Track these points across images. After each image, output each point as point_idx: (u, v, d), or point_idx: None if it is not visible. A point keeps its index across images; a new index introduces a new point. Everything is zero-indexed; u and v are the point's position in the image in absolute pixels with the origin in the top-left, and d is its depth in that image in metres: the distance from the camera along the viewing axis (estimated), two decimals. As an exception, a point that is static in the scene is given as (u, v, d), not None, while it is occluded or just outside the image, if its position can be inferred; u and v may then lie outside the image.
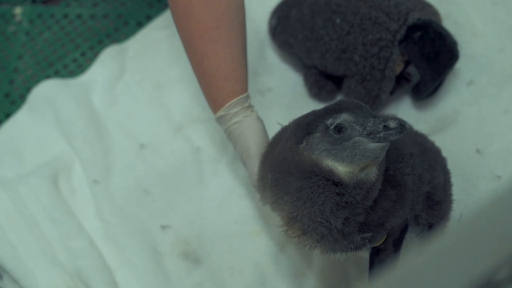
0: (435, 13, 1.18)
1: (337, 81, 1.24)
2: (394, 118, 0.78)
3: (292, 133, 0.85)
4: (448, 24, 1.24)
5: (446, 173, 0.98)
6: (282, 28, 1.25)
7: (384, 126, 0.77)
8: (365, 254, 0.90)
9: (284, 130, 0.94)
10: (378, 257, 0.89)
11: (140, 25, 1.43)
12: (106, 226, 1.19)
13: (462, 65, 1.22)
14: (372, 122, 0.78)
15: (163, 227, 1.19)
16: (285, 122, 1.24)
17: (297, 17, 1.22)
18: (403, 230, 0.92)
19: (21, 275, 1.13)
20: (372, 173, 0.81)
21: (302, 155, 0.81)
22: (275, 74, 1.30)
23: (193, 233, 1.18)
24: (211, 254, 1.16)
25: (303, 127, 0.83)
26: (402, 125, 0.76)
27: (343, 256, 0.87)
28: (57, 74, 1.41)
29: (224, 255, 1.15)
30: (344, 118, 0.80)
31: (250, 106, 1.03)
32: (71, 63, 1.42)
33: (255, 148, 0.99)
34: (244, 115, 1.01)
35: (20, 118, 1.32)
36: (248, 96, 1.03)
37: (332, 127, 0.80)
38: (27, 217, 1.18)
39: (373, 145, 0.77)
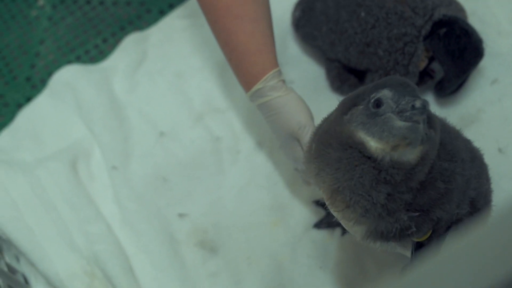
0: (461, 10, 1.16)
1: (360, 75, 1.23)
2: (420, 98, 0.77)
3: (340, 103, 0.85)
4: (474, 21, 1.22)
5: (488, 180, 0.97)
6: (306, 20, 1.25)
7: (412, 106, 0.76)
8: (402, 249, 0.89)
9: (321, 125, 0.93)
10: (420, 252, 0.88)
11: (162, 13, 1.43)
12: (123, 212, 1.19)
13: (486, 63, 1.21)
14: (406, 100, 0.77)
15: (181, 215, 1.19)
16: (306, 114, 1.24)
17: (322, 9, 1.22)
18: (446, 230, 0.91)
19: (38, 258, 1.13)
20: (409, 155, 0.79)
21: (343, 126, 0.81)
22: (297, 66, 1.29)
23: (210, 222, 1.18)
24: (228, 244, 1.16)
25: (352, 98, 0.83)
26: (423, 106, 0.75)
27: (384, 246, 0.86)
28: (78, 59, 1.42)
29: (241, 245, 1.15)
30: (384, 93, 0.79)
31: (285, 82, 1.03)
32: (93, 49, 1.43)
33: (307, 119, 1.00)
34: (284, 90, 1.02)
35: (41, 102, 1.33)
36: (280, 71, 1.03)
37: (372, 101, 0.79)
38: (45, 201, 1.18)
39: (400, 123, 0.77)
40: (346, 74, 1.23)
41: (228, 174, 1.21)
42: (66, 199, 1.19)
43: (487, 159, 1.10)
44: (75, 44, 1.44)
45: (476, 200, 0.91)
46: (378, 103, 0.79)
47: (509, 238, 0.53)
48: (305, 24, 1.25)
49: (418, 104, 0.76)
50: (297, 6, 1.28)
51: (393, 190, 0.81)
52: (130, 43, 1.38)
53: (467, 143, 0.97)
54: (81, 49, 1.43)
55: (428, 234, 0.87)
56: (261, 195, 1.19)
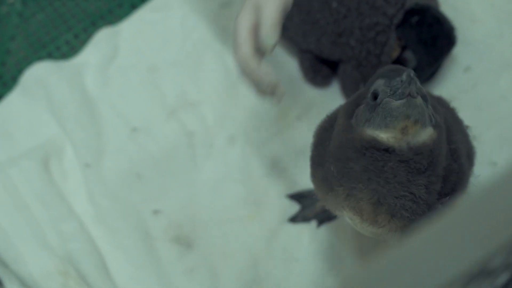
0: (433, -3, 1.16)
1: (333, 66, 1.22)
2: (404, 71, 0.75)
3: (344, 110, 0.82)
4: (446, 9, 1.22)
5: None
6: (277, 11, 1.24)
7: (401, 81, 0.75)
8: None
9: (322, 132, 0.90)
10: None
11: (134, 7, 1.41)
12: (97, 210, 1.18)
13: (459, 51, 1.20)
14: (397, 80, 0.75)
15: (155, 211, 1.18)
16: (280, 107, 1.23)
17: (294, 0, 1.20)
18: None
19: (11, 258, 1.12)
20: (423, 135, 0.77)
21: (352, 132, 0.78)
22: (270, 58, 1.28)
23: (186, 218, 1.17)
24: (204, 239, 1.15)
25: (353, 101, 0.81)
26: (408, 75, 0.74)
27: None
28: (50, 56, 1.39)
29: (217, 239, 1.14)
30: (378, 83, 0.78)
31: None
32: (64, 45, 1.41)
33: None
34: None
35: (12, 100, 1.31)
36: None
37: (369, 94, 0.78)
38: (18, 200, 1.17)
39: (396, 103, 0.74)
40: (319, 65, 1.22)
41: (202, 168, 1.20)
42: (38, 198, 1.18)
43: (461, 147, 1.10)
44: (46, 41, 1.42)
45: (470, 155, 0.92)
46: (375, 95, 0.77)
47: (480, 226, 0.52)
48: (277, 15, 1.24)
49: (404, 77, 0.74)
50: (269, -3, 1.27)
51: (428, 181, 0.78)
52: (102, 38, 1.36)
53: (452, 112, 0.97)
54: (52, 45, 1.41)
55: None
56: (236, 189, 1.18)
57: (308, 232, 1.13)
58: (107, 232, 1.16)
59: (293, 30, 1.21)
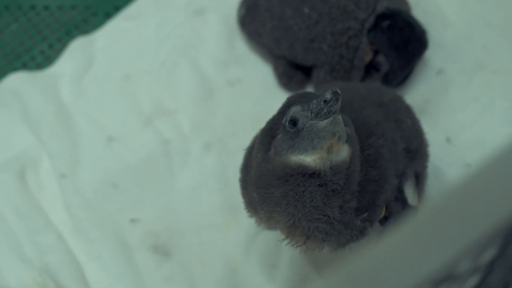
0: (404, 2, 1.17)
1: (307, 71, 1.23)
2: (328, 90, 0.78)
3: (259, 144, 0.85)
4: (418, 12, 1.23)
5: (413, 119, 0.99)
6: (251, 18, 1.24)
7: (324, 101, 0.77)
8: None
9: (250, 151, 0.93)
10: (390, 222, 0.89)
11: (108, 16, 1.41)
12: (74, 220, 1.17)
13: (431, 54, 1.21)
14: (315, 102, 0.79)
15: (133, 220, 1.17)
16: (256, 113, 1.24)
17: (266, 6, 1.21)
18: (399, 192, 0.92)
19: (-12, 271, 1.11)
20: (343, 152, 0.80)
21: (273, 162, 0.81)
22: (245, 64, 1.29)
23: (163, 226, 1.16)
24: (181, 247, 1.15)
25: (267, 134, 0.83)
26: (335, 92, 0.77)
27: (354, 246, 0.87)
28: (24, 66, 1.39)
29: (195, 247, 1.14)
30: (293, 110, 0.80)
31: None
32: (39, 55, 1.40)
33: None
34: None
35: (-13, 112, 1.30)
36: None
37: (286, 123, 0.80)
38: (-6, 213, 1.16)
39: (323, 123, 0.78)
40: (293, 71, 1.22)
41: (178, 176, 1.20)
42: (15, 210, 1.17)
43: (435, 149, 1.12)
44: (21, 51, 1.41)
45: (408, 144, 0.94)
46: (294, 122, 0.79)
47: (446, 229, 0.53)
48: (250, 21, 1.24)
49: (328, 95, 0.77)
50: (242, 4, 1.27)
51: (342, 201, 0.81)
52: (77, 47, 1.36)
53: (373, 95, 0.98)
54: (27, 55, 1.40)
55: (384, 210, 0.88)
56: (212, 196, 1.18)
57: (286, 237, 1.13)
58: (84, 243, 1.16)
59: (266, 36, 1.21)
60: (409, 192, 0.95)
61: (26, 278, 1.11)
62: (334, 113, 0.77)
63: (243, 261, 1.12)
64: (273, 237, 1.13)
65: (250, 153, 0.92)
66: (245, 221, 1.15)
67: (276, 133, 0.82)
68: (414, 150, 0.95)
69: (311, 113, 0.78)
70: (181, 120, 1.25)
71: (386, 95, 0.99)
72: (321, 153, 0.79)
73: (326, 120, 0.77)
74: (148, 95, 1.28)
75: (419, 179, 1.00)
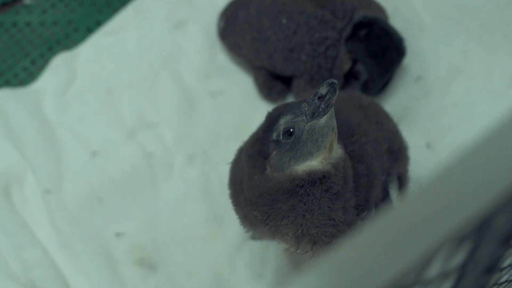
0: (381, 10, 1.18)
1: (287, 81, 1.24)
2: (322, 84, 0.78)
3: (250, 168, 0.85)
4: (396, 20, 1.24)
5: (390, 121, 1.01)
6: (230, 30, 1.25)
7: (319, 98, 0.78)
8: None
9: (235, 165, 0.93)
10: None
11: (90, 31, 1.42)
12: (59, 235, 1.17)
13: (410, 61, 1.23)
14: (307, 105, 0.79)
15: (118, 234, 1.18)
16: (238, 123, 1.24)
17: (245, 18, 1.22)
18: (384, 192, 0.94)
19: (-26, 288, 1.11)
20: (338, 149, 0.82)
21: (275, 179, 0.82)
22: (226, 76, 1.29)
23: (148, 239, 1.17)
24: (167, 259, 1.15)
25: (257, 157, 0.83)
26: (331, 83, 0.77)
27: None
28: (8, 83, 1.39)
29: (180, 259, 1.15)
30: (284, 121, 0.80)
31: None
32: (22, 71, 1.40)
33: None
34: None
35: (-29, 129, 1.30)
36: None
37: (281, 137, 0.80)
38: (-21, 230, 1.16)
39: (323, 120, 0.78)
40: (273, 81, 1.23)
41: (162, 189, 1.21)
42: (0, 227, 1.17)
43: (416, 155, 1.13)
44: (4, 68, 1.41)
45: (391, 145, 0.95)
46: (289, 132, 0.80)
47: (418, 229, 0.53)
48: (230, 33, 1.25)
49: (324, 89, 0.77)
50: (222, 16, 1.28)
51: (344, 201, 0.83)
52: (59, 63, 1.36)
53: (352, 99, 0.99)
54: (10, 72, 1.41)
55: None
56: (196, 208, 1.18)
57: (272, 247, 1.13)
58: (70, 257, 1.16)
59: (246, 47, 1.22)
60: (393, 194, 0.96)
61: (13, 294, 1.11)
62: (332, 105, 0.77)
63: (228, 271, 1.13)
64: (258, 246, 1.14)
65: (235, 167, 0.92)
66: (230, 232, 1.16)
67: (268, 152, 0.81)
68: (397, 150, 0.96)
69: (306, 115, 0.79)
70: (164, 132, 1.25)
71: (364, 100, 1.01)
72: (324, 152, 0.79)
73: (325, 116, 0.78)
74: (130, 108, 1.28)
75: (402, 182, 1.01)
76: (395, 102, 1.20)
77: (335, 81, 0.77)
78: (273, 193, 0.82)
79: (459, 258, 0.55)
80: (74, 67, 1.35)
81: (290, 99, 1.25)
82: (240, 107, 1.26)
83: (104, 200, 1.20)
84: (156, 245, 1.16)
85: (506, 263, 0.74)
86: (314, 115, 0.78)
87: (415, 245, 0.51)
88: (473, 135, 1.16)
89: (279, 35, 1.16)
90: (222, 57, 1.31)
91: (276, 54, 1.18)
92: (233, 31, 1.24)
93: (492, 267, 0.57)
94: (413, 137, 1.16)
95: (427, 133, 1.17)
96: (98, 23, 1.42)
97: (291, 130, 0.79)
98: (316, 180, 0.80)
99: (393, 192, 0.98)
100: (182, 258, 1.15)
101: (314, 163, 0.80)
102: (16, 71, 1.41)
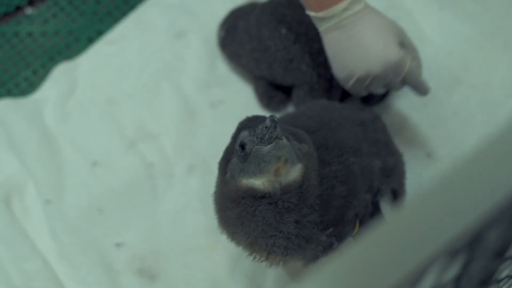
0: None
1: (288, 91, 1.24)
2: (267, 117, 0.80)
3: (218, 168, 0.88)
4: (396, 29, 1.24)
5: (389, 138, 1.01)
6: (230, 39, 1.25)
7: (266, 127, 0.79)
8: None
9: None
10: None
11: (91, 40, 1.42)
12: (60, 246, 1.17)
13: (410, 70, 1.22)
14: (260, 128, 0.81)
15: (118, 244, 1.18)
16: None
17: (245, 28, 1.22)
18: (375, 207, 0.94)
19: (-26, 300, 1.11)
20: (294, 172, 0.81)
21: (229, 185, 0.84)
22: (227, 85, 1.30)
23: (148, 250, 1.17)
24: (167, 270, 1.15)
25: (224, 158, 0.86)
26: (272, 120, 0.79)
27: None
28: (9, 93, 1.40)
29: (180, 270, 1.15)
30: (242, 135, 0.82)
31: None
32: (23, 81, 1.41)
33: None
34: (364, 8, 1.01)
35: (-28, 140, 1.31)
36: None
37: (237, 147, 0.82)
38: (-20, 240, 1.16)
39: (266, 148, 0.79)
40: (274, 91, 1.23)
41: (162, 199, 1.21)
42: (1, 237, 1.17)
43: (416, 165, 1.12)
44: (5, 78, 1.42)
45: (385, 163, 0.95)
46: (242, 146, 0.81)
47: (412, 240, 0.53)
48: (230, 43, 1.26)
49: (268, 122, 0.79)
50: (222, 26, 1.29)
51: (298, 216, 0.82)
52: (60, 73, 1.37)
53: (345, 111, 1.00)
54: (11, 82, 1.41)
55: (357, 226, 0.89)
56: (197, 218, 1.18)
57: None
58: (70, 268, 1.16)
59: (246, 57, 1.22)
60: (387, 208, 0.96)
61: (13, 305, 1.11)
62: (275, 139, 0.79)
63: (228, 282, 1.13)
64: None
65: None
66: (230, 242, 1.15)
67: (231, 157, 0.84)
68: (391, 168, 0.96)
69: (257, 138, 0.80)
70: (164, 142, 1.25)
71: (367, 116, 1.01)
72: (268, 176, 0.81)
73: (269, 146, 0.79)
74: (131, 118, 1.29)
75: (398, 195, 1.01)
76: (395, 111, 1.20)
77: (276, 118, 0.79)
78: (224, 199, 0.85)
79: (453, 271, 0.55)
80: (75, 77, 1.36)
81: (290, 108, 1.25)
82: (240, 116, 1.25)
83: (104, 211, 1.20)
84: (156, 256, 1.16)
85: (504, 274, 0.73)
86: (262, 141, 0.80)
87: (407, 258, 0.51)
88: (473, 144, 1.16)
89: (278, 45, 1.16)
90: (222, 67, 1.31)
91: (275, 64, 1.18)
92: (233, 41, 1.24)
93: (487, 280, 0.56)
94: (413, 147, 1.16)
95: (427, 142, 1.17)
96: (99, 33, 1.43)
97: (244, 145, 0.81)
98: (255, 196, 0.82)
99: (386, 207, 0.98)
100: (182, 268, 1.15)
101: (256, 182, 0.81)
102: (17, 81, 1.41)
